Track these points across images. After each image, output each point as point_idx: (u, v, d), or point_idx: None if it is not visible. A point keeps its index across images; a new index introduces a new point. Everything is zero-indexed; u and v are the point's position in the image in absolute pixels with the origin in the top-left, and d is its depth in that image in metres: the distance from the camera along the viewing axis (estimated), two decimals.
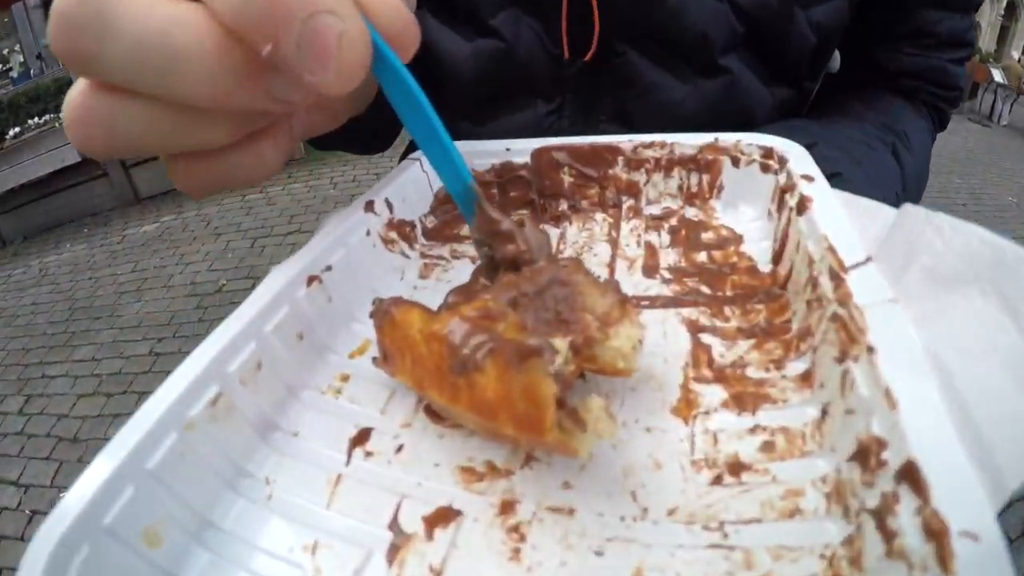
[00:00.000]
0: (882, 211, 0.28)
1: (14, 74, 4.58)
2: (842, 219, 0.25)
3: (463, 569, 0.18)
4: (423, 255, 0.34)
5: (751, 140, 0.33)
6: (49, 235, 3.97)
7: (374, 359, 0.25)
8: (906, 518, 0.15)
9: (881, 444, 0.17)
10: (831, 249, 0.24)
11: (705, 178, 0.35)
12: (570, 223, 0.36)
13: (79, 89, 0.21)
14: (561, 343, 0.19)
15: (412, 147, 0.54)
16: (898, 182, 0.45)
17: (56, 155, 3.83)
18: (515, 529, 0.19)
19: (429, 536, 0.19)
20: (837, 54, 0.54)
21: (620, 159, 0.35)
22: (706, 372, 0.24)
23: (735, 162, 0.34)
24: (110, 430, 1.47)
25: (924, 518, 0.14)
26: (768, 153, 0.33)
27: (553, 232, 0.35)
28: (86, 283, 3.12)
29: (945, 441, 0.16)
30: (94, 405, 2.16)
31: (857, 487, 0.18)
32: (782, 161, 0.32)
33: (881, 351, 0.18)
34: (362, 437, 0.23)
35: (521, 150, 0.36)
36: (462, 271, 0.32)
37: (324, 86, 0.20)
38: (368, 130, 0.48)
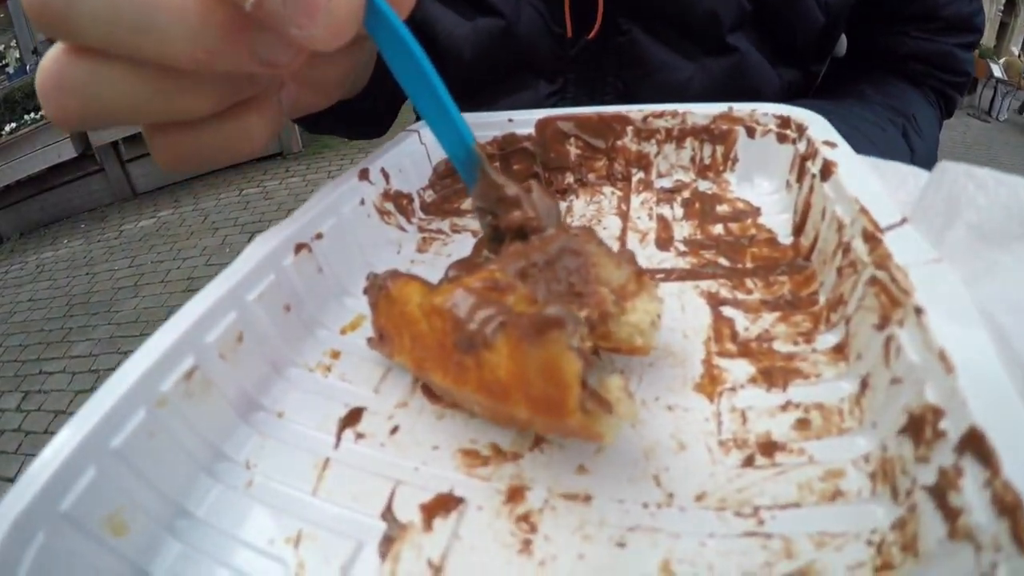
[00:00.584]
0: (912, 173, 0.26)
1: (10, 69, 4.55)
2: (872, 181, 0.24)
3: (466, 564, 0.16)
4: (421, 229, 0.32)
5: (766, 109, 0.32)
6: (46, 231, 3.95)
7: (369, 339, 0.23)
8: (972, 493, 0.13)
9: (937, 413, 0.15)
10: (863, 211, 0.22)
11: (719, 149, 0.33)
12: (577, 197, 0.34)
13: (53, 54, 0.19)
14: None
15: None
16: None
17: (52, 151, 3.81)
18: (525, 518, 0.17)
19: (427, 526, 0.17)
20: (844, 39, 0.53)
21: (629, 129, 0.34)
22: (730, 346, 0.22)
23: (750, 132, 0.32)
24: None
25: (994, 491, 0.13)
26: (785, 122, 0.31)
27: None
28: (83, 279, 3.11)
29: (1009, 405, 0.14)
30: None
31: (908, 464, 0.16)
32: (800, 129, 0.30)
33: (931, 312, 0.17)
34: (353, 417, 0.21)
35: (525, 121, 0.34)
36: (463, 245, 0.31)
37: (312, 41, 0.19)
38: (363, 111, 0.47)
